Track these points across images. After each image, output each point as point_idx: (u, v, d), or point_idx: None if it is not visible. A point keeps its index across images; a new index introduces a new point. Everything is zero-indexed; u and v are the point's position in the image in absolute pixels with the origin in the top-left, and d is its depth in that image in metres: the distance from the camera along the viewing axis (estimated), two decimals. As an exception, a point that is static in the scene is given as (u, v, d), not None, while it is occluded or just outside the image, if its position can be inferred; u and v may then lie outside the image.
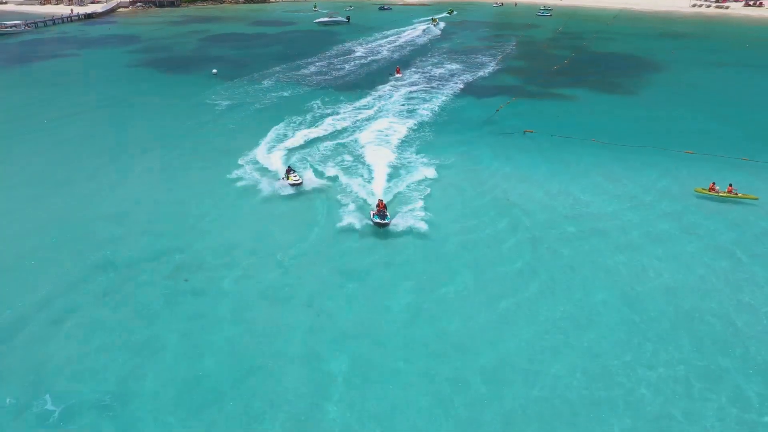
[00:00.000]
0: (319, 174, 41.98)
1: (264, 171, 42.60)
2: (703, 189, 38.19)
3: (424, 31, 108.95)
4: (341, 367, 23.59)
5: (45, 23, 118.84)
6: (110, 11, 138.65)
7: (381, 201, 35.08)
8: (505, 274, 29.80)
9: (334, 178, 41.32)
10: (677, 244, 32.28)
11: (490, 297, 27.79)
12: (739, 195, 37.27)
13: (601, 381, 22.68)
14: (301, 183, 40.62)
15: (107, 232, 34.08)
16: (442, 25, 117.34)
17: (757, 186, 38.56)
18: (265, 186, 40.05)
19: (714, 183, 37.99)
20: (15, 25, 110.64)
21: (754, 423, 20.72)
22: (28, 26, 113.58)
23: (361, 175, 41.60)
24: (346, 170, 42.56)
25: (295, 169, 41.91)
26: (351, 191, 39.11)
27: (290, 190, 39.71)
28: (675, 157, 44.81)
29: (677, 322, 25.90)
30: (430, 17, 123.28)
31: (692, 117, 56.61)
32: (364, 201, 37.43)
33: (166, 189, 40.38)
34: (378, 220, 33.64)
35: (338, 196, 38.38)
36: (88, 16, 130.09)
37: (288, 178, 40.75)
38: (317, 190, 39.63)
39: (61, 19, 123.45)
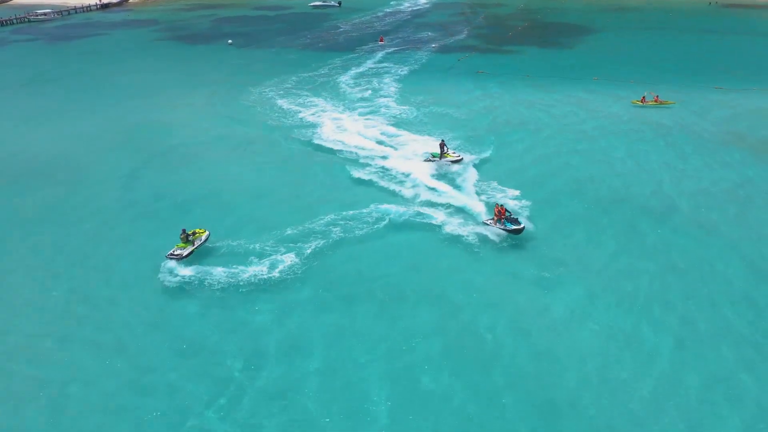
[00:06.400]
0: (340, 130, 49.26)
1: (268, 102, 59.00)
2: (636, 101, 52.97)
3: (411, 12, 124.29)
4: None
5: (69, 12, 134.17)
6: (123, 1, 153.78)
7: (502, 207, 30.28)
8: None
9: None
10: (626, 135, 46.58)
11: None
12: (663, 102, 52.35)
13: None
14: (461, 159, 38.44)
15: (173, 133, 50.53)
16: None
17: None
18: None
19: (644, 96, 52.70)
20: (45, 13, 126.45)
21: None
22: (57, 14, 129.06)
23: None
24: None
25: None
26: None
27: (449, 166, 38.74)
28: (588, 83, 62.20)
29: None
30: None
31: (603, 59, 74.34)
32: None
33: (219, 111, 56.70)
34: (511, 227, 29.29)
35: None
36: (104, 6, 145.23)
37: (447, 155, 38.53)
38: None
39: (83, 8, 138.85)
